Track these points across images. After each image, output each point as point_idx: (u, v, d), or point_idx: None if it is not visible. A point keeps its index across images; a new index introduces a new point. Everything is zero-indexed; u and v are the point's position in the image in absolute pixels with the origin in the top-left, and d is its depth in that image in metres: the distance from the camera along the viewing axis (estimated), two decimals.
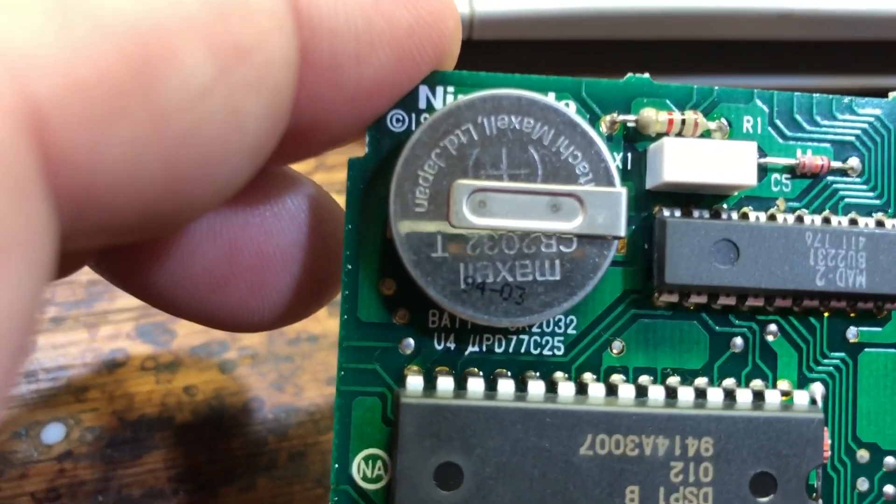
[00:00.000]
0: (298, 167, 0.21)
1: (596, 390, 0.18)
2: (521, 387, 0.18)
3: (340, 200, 0.21)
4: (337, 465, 0.18)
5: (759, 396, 0.19)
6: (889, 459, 0.19)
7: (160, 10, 0.13)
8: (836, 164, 0.19)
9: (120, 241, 0.17)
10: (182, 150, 0.13)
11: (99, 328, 0.28)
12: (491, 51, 0.30)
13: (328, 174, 0.31)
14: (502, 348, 0.19)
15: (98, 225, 0.13)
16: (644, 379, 0.19)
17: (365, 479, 0.18)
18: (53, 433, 0.26)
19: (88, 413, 0.27)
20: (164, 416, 0.27)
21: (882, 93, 0.20)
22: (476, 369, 0.18)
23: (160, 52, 0.12)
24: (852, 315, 0.19)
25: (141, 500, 0.25)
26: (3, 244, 0.11)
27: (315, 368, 0.28)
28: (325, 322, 0.29)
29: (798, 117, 0.19)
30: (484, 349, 0.19)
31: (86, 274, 0.29)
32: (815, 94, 0.19)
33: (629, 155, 0.19)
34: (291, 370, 0.28)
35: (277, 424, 0.27)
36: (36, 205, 0.11)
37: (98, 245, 0.18)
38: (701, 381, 0.19)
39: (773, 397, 0.19)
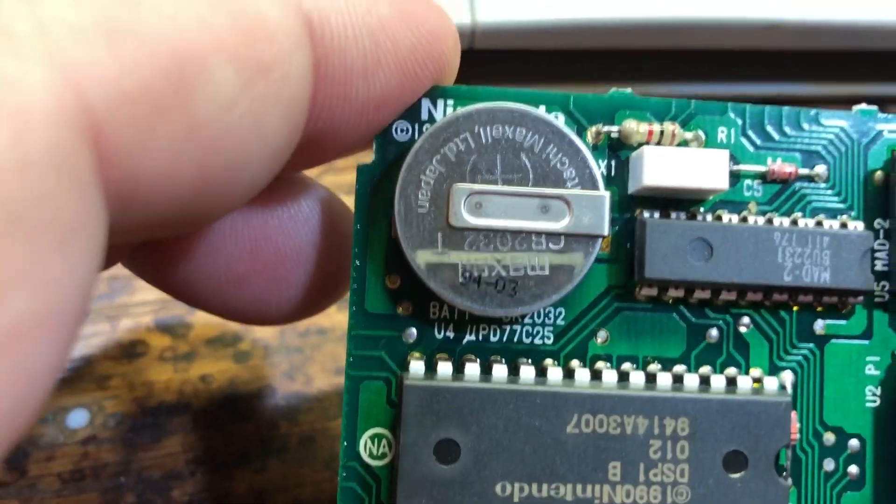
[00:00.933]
0: (310, 169, 0.22)
1: (582, 375, 0.20)
2: (514, 372, 0.20)
3: (348, 201, 0.22)
4: (346, 444, 0.19)
5: (732, 382, 0.20)
6: (853, 442, 0.21)
7: (194, 32, 0.14)
8: (804, 171, 0.21)
9: (155, 237, 0.19)
10: (212, 153, 0.15)
11: (120, 320, 0.30)
12: (492, 60, 0.31)
13: (337, 176, 0.33)
14: (497, 337, 0.20)
15: (139, 219, 0.15)
16: (626, 366, 0.20)
17: (371, 455, 0.20)
18: (78, 418, 0.27)
19: (111, 400, 0.28)
20: (182, 403, 0.28)
21: (872, 100, 0.22)
22: (473, 356, 0.20)
23: (194, 68, 0.14)
24: (819, 309, 0.21)
25: (160, 481, 0.27)
26: (70, 229, 0.12)
27: (324, 359, 0.30)
28: (334, 316, 0.30)
29: (769, 128, 0.21)
30: (480, 338, 0.20)
31: (107, 270, 0.31)
32: (784, 107, 0.21)
33: (613, 162, 0.20)
34: (302, 361, 0.30)
35: (288, 411, 0.28)
36: (93, 198, 0.13)
37: (136, 240, 0.20)
38: (679, 368, 0.20)
39: (745, 383, 0.20)
